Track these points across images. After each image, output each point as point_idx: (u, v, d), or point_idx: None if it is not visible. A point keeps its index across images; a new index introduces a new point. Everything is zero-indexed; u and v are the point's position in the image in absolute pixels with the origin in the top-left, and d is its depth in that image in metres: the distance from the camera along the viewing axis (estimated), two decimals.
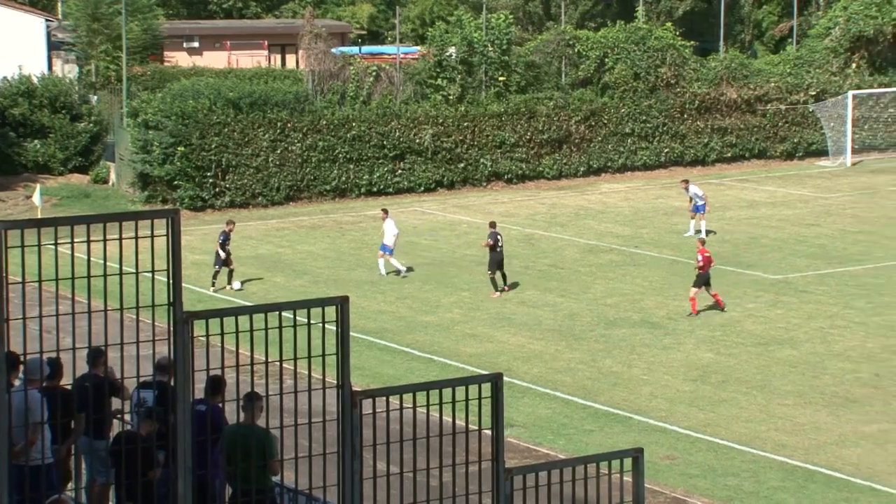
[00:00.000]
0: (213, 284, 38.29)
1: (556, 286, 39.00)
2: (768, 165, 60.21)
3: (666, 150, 58.94)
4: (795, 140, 60.93)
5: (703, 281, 35.29)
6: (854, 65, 62.44)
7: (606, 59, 58.95)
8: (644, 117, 58.36)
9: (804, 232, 46.04)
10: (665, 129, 58.84)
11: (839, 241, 44.50)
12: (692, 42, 61.72)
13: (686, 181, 46.93)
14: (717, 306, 35.58)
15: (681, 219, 48.07)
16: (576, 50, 59.24)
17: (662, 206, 51.18)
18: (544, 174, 56.82)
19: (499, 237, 37.87)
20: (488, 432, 11.63)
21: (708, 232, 44.35)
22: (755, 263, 41.32)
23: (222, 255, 38.14)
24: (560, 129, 56.82)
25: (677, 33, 60.56)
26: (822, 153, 60.89)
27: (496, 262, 37.69)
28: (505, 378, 12.24)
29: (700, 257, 35.35)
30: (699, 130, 59.45)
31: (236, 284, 38.46)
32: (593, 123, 57.56)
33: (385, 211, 41.23)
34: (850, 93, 60.08)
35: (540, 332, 34.20)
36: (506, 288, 37.91)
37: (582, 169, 57.45)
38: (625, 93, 58.40)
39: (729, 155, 60.09)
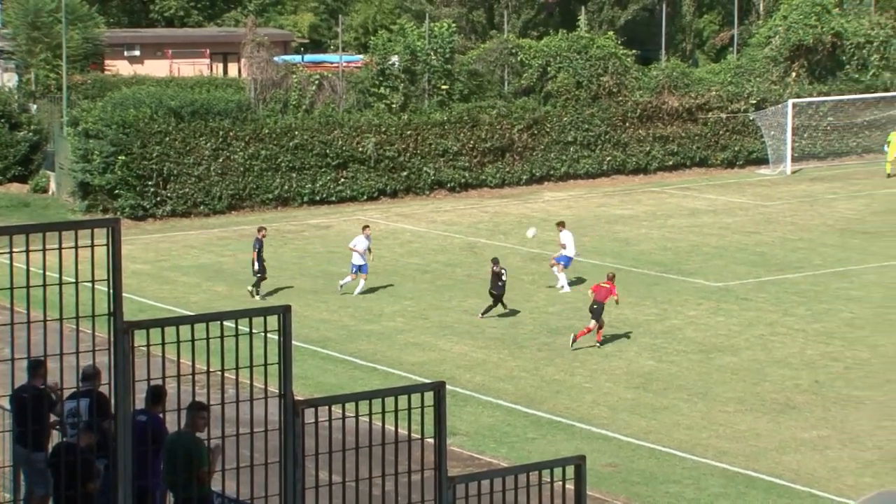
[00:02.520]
0: (258, 294, 38.16)
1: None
2: (709, 174, 60.58)
3: (608, 159, 59.18)
4: (736, 148, 61.34)
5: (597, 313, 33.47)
6: (794, 73, 62.96)
7: (549, 68, 59.14)
8: (586, 126, 58.57)
9: (745, 240, 46.35)
10: (607, 137, 59.08)
11: (779, 248, 44.83)
12: (634, 51, 62.02)
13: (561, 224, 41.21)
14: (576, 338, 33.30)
15: (623, 227, 48.31)
16: (518, 59, 59.40)
17: (605, 215, 51.40)
18: (487, 183, 56.91)
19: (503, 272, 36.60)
20: (431, 441, 11.65)
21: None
22: (696, 271, 41.56)
23: (257, 264, 37.86)
24: (503, 138, 56.93)
25: (619, 42, 60.84)
26: (762, 161, 61.34)
27: (498, 298, 36.33)
28: (448, 387, 12.27)
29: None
30: (641, 139, 59.74)
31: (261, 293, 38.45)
32: (536, 132, 57.73)
33: (366, 227, 39.82)
34: (790, 101, 60.56)
35: (483, 341, 34.24)
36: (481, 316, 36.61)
37: (525, 177, 57.58)
38: (567, 101, 58.59)
39: (670, 163, 60.42)
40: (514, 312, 36.45)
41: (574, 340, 33.12)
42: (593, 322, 33.21)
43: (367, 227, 39.92)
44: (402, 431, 11.65)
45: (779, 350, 33.04)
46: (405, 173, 55.21)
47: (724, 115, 60.86)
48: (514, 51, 59.49)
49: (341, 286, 38.99)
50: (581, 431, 27.46)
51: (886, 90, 63.79)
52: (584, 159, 58.62)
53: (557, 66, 58.98)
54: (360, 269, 38.77)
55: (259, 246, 38.04)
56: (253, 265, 38.29)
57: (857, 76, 63.90)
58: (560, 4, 68.83)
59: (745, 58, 64.05)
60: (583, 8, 65.74)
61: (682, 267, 42.19)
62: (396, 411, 11.55)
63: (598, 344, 33.25)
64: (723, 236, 47.00)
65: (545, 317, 36.53)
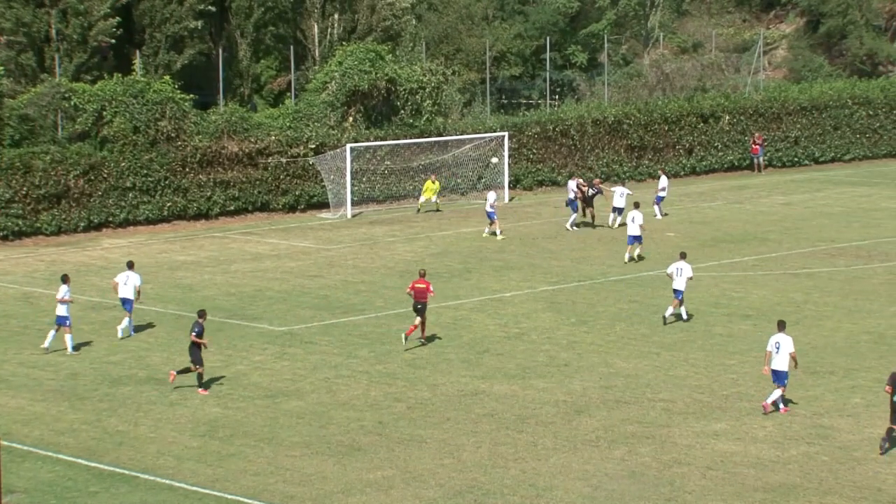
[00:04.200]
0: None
1: (57, 345, 37.91)
2: (271, 218, 60.94)
3: (169, 204, 58.65)
4: (297, 193, 61.95)
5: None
6: (351, 118, 64.18)
7: (105, 112, 58.14)
8: (145, 171, 57.88)
9: (308, 283, 46.78)
10: (167, 182, 58.56)
11: (342, 291, 45.45)
12: (192, 95, 61.73)
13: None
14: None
15: (186, 273, 47.88)
16: (72, 103, 58.14)
17: (167, 261, 50.84)
18: (43, 230, 55.41)
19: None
20: None
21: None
22: (261, 316, 41.61)
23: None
24: (58, 184, 55.58)
25: (177, 86, 60.45)
26: (323, 205, 62.18)
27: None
28: (4, 442, 11.75)
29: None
30: (202, 184, 59.50)
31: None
32: (93, 178, 56.63)
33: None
34: (349, 146, 61.67)
35: (41, 394, 33.20)
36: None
37: (82, 224, 56.37)
38: (124, 146, 57.75)
39: (232, 208, 60.43)
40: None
41: (406, 338, 37.36)
42: (418, 319, 37.43)
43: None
44: None
45: (344, 392, 33.42)
46: None
47: (284, 160, 61.37)
48: (66, 95, 58.20)
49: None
50: (145, 482, 26.95)
51: (440, 134, 65.87)
52: (144, 205, 57.91)
53: (113, 110, 58.09)
54: None
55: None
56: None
57: (411, 121, 65.72)
58: (114, 48, 67.79)
59: (302, 103, 64.84)
60: (138, 52, 65.00)
61: (247, 312, 42.17)
62: None
63: (421, 341, 37.68)
64: (286, 280, 47.28)
65: (106, 366, 35.75)
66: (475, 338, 38.90)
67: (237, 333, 39.28)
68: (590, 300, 43.77)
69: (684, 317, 40.50)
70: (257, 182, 60.94)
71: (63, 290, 37.24)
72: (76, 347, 37.31)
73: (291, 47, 70.18)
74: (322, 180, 62.10)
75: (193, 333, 33.48)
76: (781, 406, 31.48)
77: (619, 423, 30.76)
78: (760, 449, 28.92)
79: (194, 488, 26.65)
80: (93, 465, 28.02)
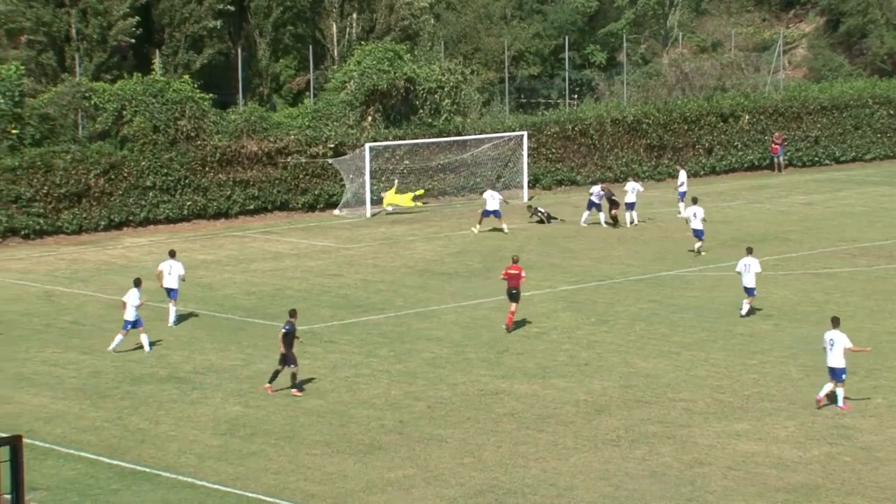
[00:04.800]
0: None
1: (79, 343, 38.08)
2: (291, 217, 61.01)
3: (188, 203, 58.76)
4: (316, 192, 62.00)
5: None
6: (370, 118, 64.21)
7: (124, 112, 58.27)
8: (166, 170, 58.00)
9: (328, 282, 46.81)
10: (187, 182, 58.67)
11: (362, 290, 45.47)
12: (212, 95, 61.85)
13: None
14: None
15: (206, 272, 47.95)
16: (92, 102, 58.26)
17: (187, 260, 50.75)
18: (64, 229, 55.56)
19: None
20: (8, 497, 11.12)
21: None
22: (281, 315, 41.56)
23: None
24: (79, 183, 55.73)
25: (196, 86, 60.55)
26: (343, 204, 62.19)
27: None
28: (27, 440, 11.77)
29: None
30: (221, 183, 59.60)
31: None
32: (113, 177, 56.76)
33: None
34: (367, 145, 61.71)
35: (63, 392, 33.27)
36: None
37: (103, 223, 56.51)
38: (144, 146, 57.87)
39: (252, 207, 60.52)
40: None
41: (507, 326, 39.00)
42: (514, 305, 38.95)
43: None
44: None
45: (364, 391, 33.42)
46: None
47: (303, 159, 61.43)
48: (87, 94, 58.33)
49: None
50: (167, 480, 26.98)
51: (458, 134, 65.87)
52: (164, 204, 58.03)
53: (133, 109, 58.21)
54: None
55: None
56: None
57: (430, 120, 65.72)
58: (134, 48, 67.94)
59: (322, 102, 64.89)
60: (157, 51, 65.11)
61: (267, 311, 42.20)
62: None
63: (506, 329, 38.94)
64: (306, 279, 47.31)
65: (128, 365, 35.81)
66: (495, 337, 38.88)
67: (257, 332, 39.33)
68: (610, 300, 43.72)
69: (742, 312, 40.63)
70: (277, 181, 61.03)
71: (135, 295, 37.09)
72: (152, 344, 37.35)
73: (310, 47, 70.23)
74: (341, 179, 62.13)
75: (283, 330, 33.16)
76: (841, 403, 31.45)
77: (639, 422, 30.71)
78: (782, 449, 28.85)
79: (215, 486, 26.68)
80: (115, 462, 28.06)
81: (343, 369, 35.47)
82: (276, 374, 33.24)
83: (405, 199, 61.87)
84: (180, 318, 40.49)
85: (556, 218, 58.90)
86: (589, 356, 36.72)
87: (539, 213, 59.01)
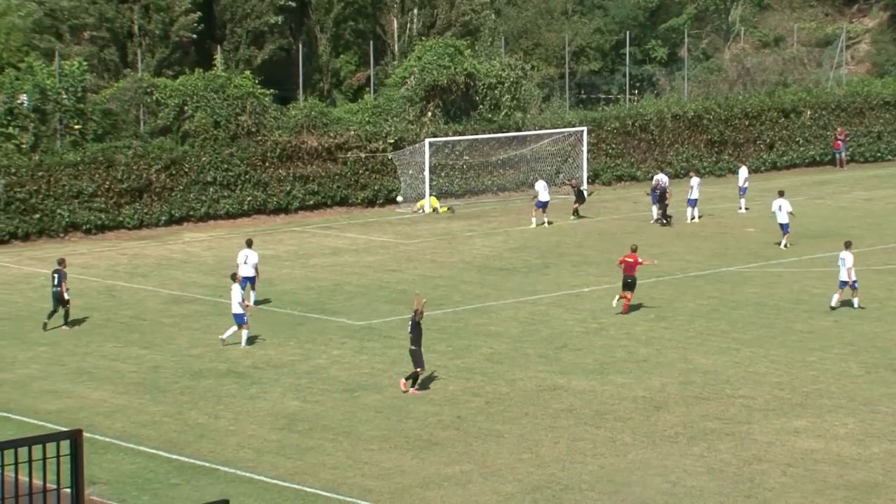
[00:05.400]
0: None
1: (139, 338, 38.36)
2: (350, 212, 61.18)
3: (249, 199, 59.04)
4: (376, 187, 62.14)
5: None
6: (429, 113, 64.27)
7: (186, 107, 58.62)
8: (226, 165, 58.30)
9: (386, 278, 46.91)
10: (247, 177, 58.95)
11: (420, 286, 45.51)
12: (272, 90, 62.10)
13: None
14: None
15: (266, 267, 48.18)
16: (154, 98, 58.66)
17: None
18: (125, 224, 55.95)
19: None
20: (69, 491, 11.25)
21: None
22: (340, 310, 41.79)
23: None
24: (140, 178, 56.10)
25: (256, 81, 60.83)
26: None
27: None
28: (87, 434, 11.90)
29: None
30: (281, 178, 59.84)
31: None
32: (174, 172, 57.10)
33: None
34: (427, 140, 61.79)
35: (123, 386, 33.54)
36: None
37: (164, 218, 56.87)
38: (205, 141, 58.19)
39: (311, 202, 60.72)
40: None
41: (623, 312, 40.37)
42: (629, 293, 40.54)
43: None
44: (39, 482, 11.21)
45: (422, 386, 33.45)
46: (38, 216, 53.75)
47: (363, 155, 61.58)
48: (149, 90, 58.72)
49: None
50: (226, 475, 27.15)
51: (518, 129, 65.84)
52: (225, 199, 58.33)
53: (195, 105, 58.53)
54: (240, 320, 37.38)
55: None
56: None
57: (490, 116, 65.72)
58: (195, 44, 68.35)
59: (381, 98, 65.02)
60: (219, 47, 65.46)
61: (326, 306, 42.36)
62: (31, 461, 11.11)
63: (622, 313, 40.31)
64: (364, 275, 47.44)
65: (187, 360, 36.05)
66: (553, 333, 38.85)
67: (316, 327, 39.49)
68: (668, 296, 43.57)
69: (855, 305, 41.13)
70: (336, 177, 61.20)
71: (236, 291, 37.34)
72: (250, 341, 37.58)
73: (371, 42, 70.40)
74: (401, 175, 62.21)
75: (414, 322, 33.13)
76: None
77: (698, 419, 30.61)
78: (841, 446, 28.68)
79: (274, 481, 26.83)
80: (174, 457, 28.25)
81: (401, 365, 35.49)
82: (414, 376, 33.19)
83: (436, 205, 61.46)
84: (220, 319, 40.67)
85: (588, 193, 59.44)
86: (647, 352, 36.62)
87: (574, 188, 59.47)
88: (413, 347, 33.02)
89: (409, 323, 33.37)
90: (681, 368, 34.92)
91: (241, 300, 37.25)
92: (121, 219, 55.91)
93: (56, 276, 39.22)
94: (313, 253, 51.54)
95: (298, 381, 34.02)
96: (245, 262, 41.47)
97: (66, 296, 39.13)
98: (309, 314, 41.16)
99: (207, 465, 27.73)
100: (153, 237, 55.22)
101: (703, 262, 49.16)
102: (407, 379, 33.04)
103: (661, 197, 57.29)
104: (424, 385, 33.35)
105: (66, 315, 39.48)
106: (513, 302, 42.89)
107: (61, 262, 39.98)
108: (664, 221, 57.01)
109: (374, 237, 55.35)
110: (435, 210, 61.17)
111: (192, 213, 57.71)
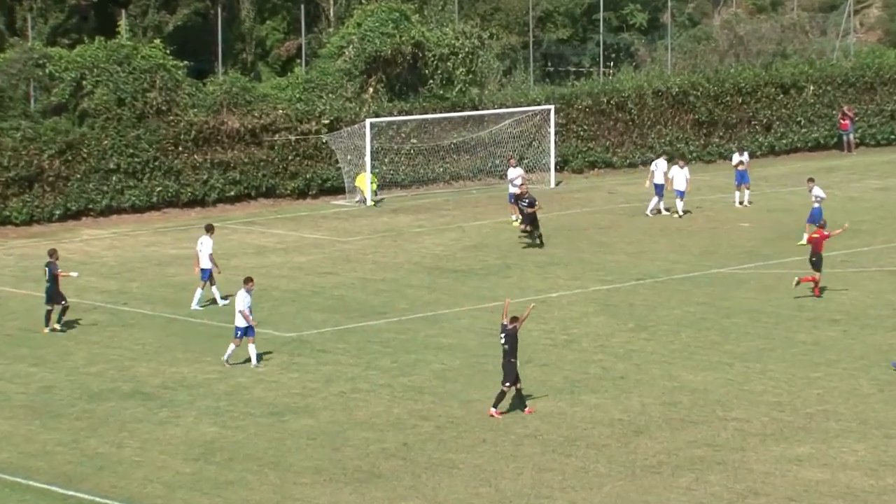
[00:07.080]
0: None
1: (28, 353, 38.12)
2: (278, 205, 61.00)
3: (159, 189, 58.77)
4: (308, 176, 61.96)
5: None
6: (371, 89, 64.17)
7: (85, 82, 58.26)
8: (132, 150, 58.01)
9: (320, 281, 46.80)
10: (157, 164, 58.68)
11: (360, 291, 45.44)
12: (186, 62, 61.80)
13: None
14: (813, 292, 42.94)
15: (178, 269, 47.92)
16: (47, 71, 58.28)
17: (155, 255, 50.93)
18: (12, 219, 55.64)
19: None
20: None
21: None
22: (265, 320, 41.56)
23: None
24: (30, 166, 55.79)
25: (168, 52, 60.54)
26: (338, 190, 62.17)
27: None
28: None
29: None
30: (197, 165, 59.59)
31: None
32: (70, 158, 56.78)
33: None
34: (368, 121, 61.65)
35: (9, 410, 33.33)
36: None
37: (58, 212, 56.56)
38: (108, 122, 57.89)
39: (232, 193, 60.49)
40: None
41: (798, 283, 43.04)
42: (817, 273, 43.00)
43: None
44: None
45: (362, 409, 33.38)
46: None
47: (293, 138, 61.41)
48: (41, 61, 58.34)
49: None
50: None
51: (475, 108, 65.76)
52: (130, 190, 58.06)
53: (95, 79, 58.21)
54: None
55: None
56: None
57: (441, 92, 65.67)
58: (95, 7, 67.94)
59: (315, 71, 64.85)
60: (123, 12, 65.05)
61: None
62: None
63: (816, 296, 42.81)
64: (295, 278, 47.32)
65: (85, 379, 35.83)
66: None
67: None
68: (650, 302, 43.66)
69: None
70: (262, 163, 61.00)
71: (243, 298, 37.14)
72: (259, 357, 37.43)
73: (302, 6, 70.19)
74: (337, 161, 62.10)
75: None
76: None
77: (684, 446, 30.66)
78: (851, 477, 28.74)
79: None
80: (69, 493, 28.06)
81: (338, 383, 35.42)
82: (501, 395, 33.03)
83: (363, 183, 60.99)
84: (122, 330, 40.61)
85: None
86: (626, 368, 36.66)
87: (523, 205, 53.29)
88: (512, 360, 32.94)
89: (503, 334, 33.17)
90: (664, 387, 34.96)
91: (244, 307, 36.84)
92: (7, 213, 55.58)
93: (48, 269, 40.26)
94: (234, 253, 51.34)
95: (216, 403, 33.86)
96: (201, 251, 42.61)
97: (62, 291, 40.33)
98: (228, 324, 40.91)
99: (109, 502, 27.56)
100: (45, 234, 54.88)
101: (691, 262, 49.27)
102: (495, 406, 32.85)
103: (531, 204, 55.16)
104: (367, 407, 33.28)
105: (62, 313, 40.49)
106: (469, 309, 42.85)
107: (52, 253, 41.07)
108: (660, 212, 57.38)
109: (306, 234, 55.22)
110: (375, 193, 60.76)
111: (91, 206, 57.41)
